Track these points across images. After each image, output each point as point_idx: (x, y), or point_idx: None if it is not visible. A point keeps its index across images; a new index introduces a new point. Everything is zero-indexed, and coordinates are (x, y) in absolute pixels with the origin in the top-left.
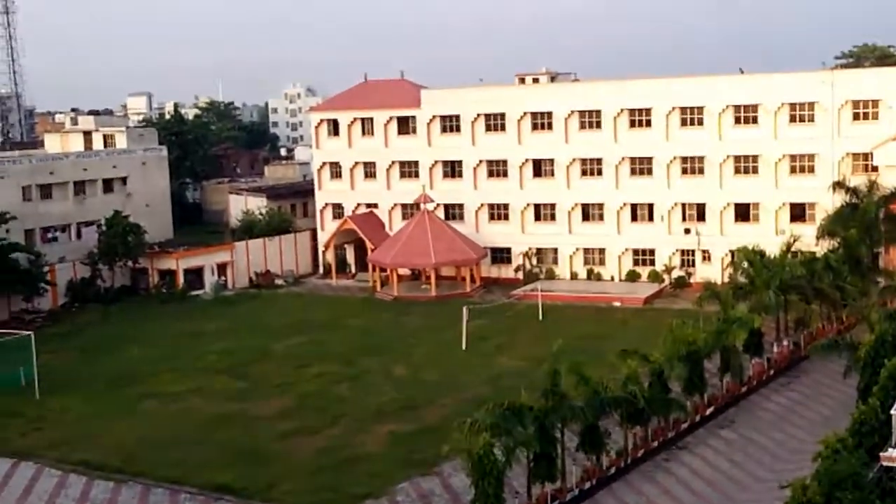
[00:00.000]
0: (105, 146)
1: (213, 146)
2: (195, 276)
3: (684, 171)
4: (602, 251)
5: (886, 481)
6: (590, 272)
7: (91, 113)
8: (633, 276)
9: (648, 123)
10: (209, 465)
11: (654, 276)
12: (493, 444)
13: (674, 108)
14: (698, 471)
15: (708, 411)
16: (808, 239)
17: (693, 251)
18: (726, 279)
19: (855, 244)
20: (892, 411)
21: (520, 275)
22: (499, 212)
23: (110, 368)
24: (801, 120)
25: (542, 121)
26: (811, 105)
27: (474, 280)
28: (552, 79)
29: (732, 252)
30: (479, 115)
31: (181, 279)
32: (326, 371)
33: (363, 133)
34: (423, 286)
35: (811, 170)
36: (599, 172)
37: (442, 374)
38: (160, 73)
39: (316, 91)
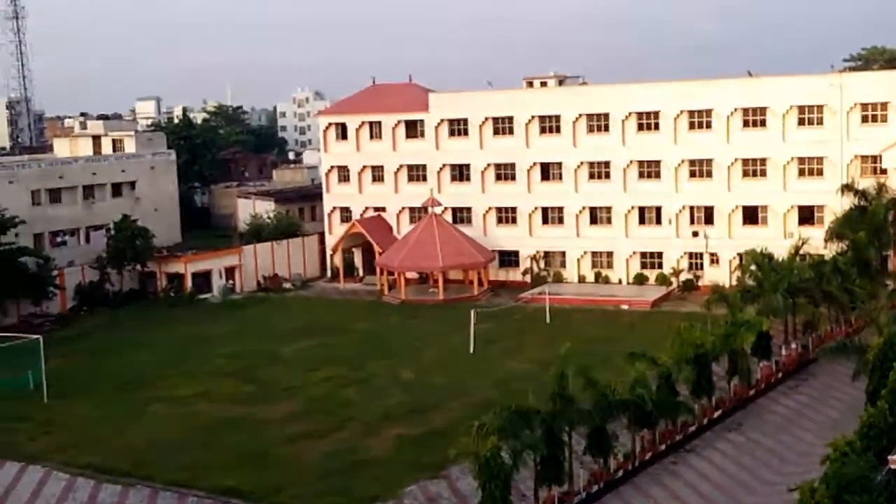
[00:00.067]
0: (114, 150)
1: (221, 150)
2: (203, 279)
3: (692, 175)
4: (610, 254)
5: (894, 485)
6: (597, 275)
7: (100, 117)
8: (640, 279)
9: (657, 127)
10: (217, 468)
11: (662, 279)
12: (501, 447)
13: (682, 112)
14: (706, 474)
15: (716, 414)
16: (817, 242)
17: (701, 254)
18: (734, 282)
19: (864, 247)
20: None
21: (527, 278)
22: (507, 215)
23: (118, 372)
24: (810, 123)
25: (549, 124)
26: (820, 108)
27: (482, 283)
28: (560, 82)
29: (741, 255)
30: (486, 118)
31: (189, 283)
32: (334, 375)
33: (371, 137)
34: (431, 290)
35: (820, 172)
36: (607, 176)
37: (449, 377)
38: (169, 78)
39: (324, 95)
